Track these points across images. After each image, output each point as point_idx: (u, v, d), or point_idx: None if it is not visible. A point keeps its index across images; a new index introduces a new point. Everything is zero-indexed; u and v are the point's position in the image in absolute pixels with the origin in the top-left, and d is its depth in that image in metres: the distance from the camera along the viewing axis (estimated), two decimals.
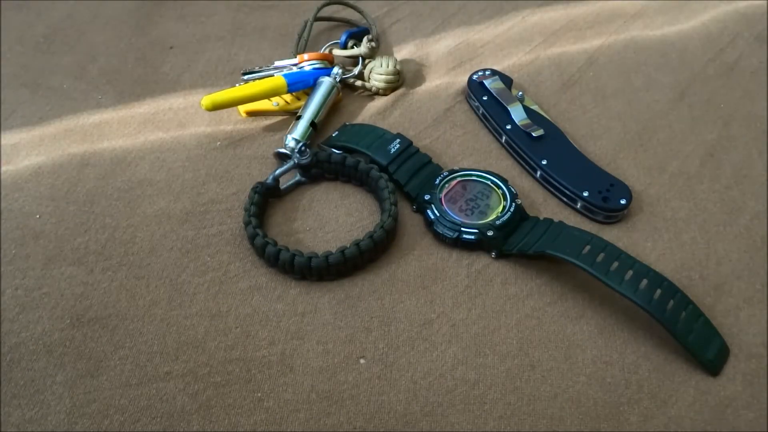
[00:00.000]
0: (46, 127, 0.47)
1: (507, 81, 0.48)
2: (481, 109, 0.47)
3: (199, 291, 0.37)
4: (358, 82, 0.49)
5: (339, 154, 0.42)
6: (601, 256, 0.35)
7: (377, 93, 0.49)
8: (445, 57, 0.53)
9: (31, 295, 0.37)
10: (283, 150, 0.44)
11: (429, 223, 0.40)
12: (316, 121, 0.45)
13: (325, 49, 0.52)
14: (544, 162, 0.42)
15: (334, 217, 0.41)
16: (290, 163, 0.42)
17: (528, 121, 0.44)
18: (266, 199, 0.41)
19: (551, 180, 0.42)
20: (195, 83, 0.51)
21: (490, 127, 0.47)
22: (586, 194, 0.40)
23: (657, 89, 0.49)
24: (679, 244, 0.39)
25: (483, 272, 0.38)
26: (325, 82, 0.47)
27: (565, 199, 0.42)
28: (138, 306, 0.37)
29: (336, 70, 0.48)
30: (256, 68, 0.50)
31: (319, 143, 0.45)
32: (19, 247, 0.39)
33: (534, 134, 0.43)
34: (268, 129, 0.47)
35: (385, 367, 0.34)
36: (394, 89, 0.49)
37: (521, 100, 0.46)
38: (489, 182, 0.41)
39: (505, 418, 0.32)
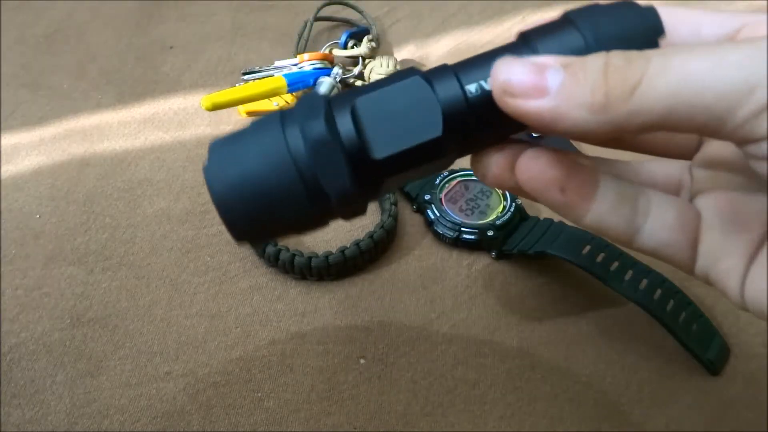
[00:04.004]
0: (46, 127, 0.47)
1: None
2: None
3: (199, 291, 0.37)
4: (358, 82, 0.49)
5: None
6: (601, 256, 0.35)
7: None
8: (445, 57, 0.53)
9: (31, 295, 0.37)
10: None
11: (429, 223, 0.40)
12: None
13: (325, 49, 0.52)
14: None
15: None
16: None
17: None
18: None
19: None
20: (195, 83, 0.51)
21: None
22: None
23: None
24: None
25: (483, 272, 0.38)
26: (325, 82, 0.47)
27: None
28: (138, 306, 0.37)
29: (336, 70, 0.48)
30: (256, 68, 0.50)
31: None
32: (19, 247, 0.39)
33: (534, 134, 0.43)
34: None
35: (385, 367, 0.34)
36: None
37: None
38: None
39: (505, 418, 0.32)
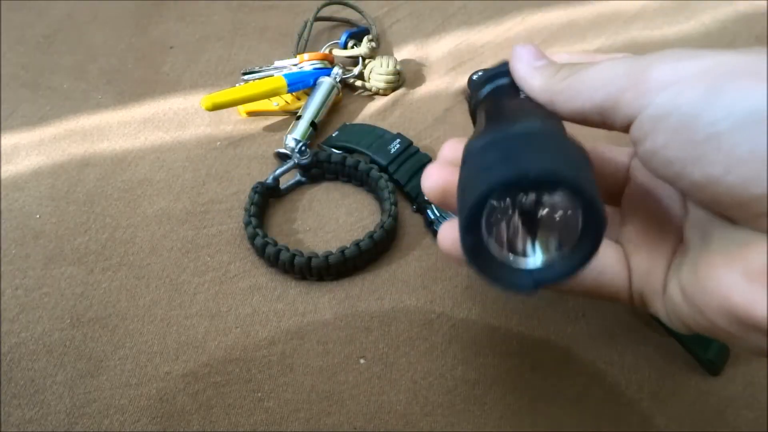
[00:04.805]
0: (46, 127, 0.47)
1: None
2: None
3: (199, 291, 0.37)
4: (358, 82, 0.49)
5: (339, 154, 0.42)
6: None
7: (377, 93, 0.49)
8: (445, 57, 0.53)
9: (31, 295, 0.37)
10: (283, 150, 0.44)
11: (429, 223, 0.40)
12: (316, 121, 0.45)
13: (325, 49, 0.52)
14: None
15: (334, 217, 0.41)
16: (290, 163, 0.42)
17: None
18: (266, 199, 0.41)
19: None
20: (195, 83, 0.51)
21: None
22: None
23: None
24: None
25: None
26: (325, 83, 0.47)
27: None
28: (138, 306, 0.37)
29: (336, 70, 0.48)
30: (256, 68, 0.50)
31: (319, 143, 0.45)
32: (19, 247, 0.39)
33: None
34: (268, 129, 0.47)
35: (385, 367, 0.34)
36: (394, 89, 0.49)
37: None
38: None
39: (505, 418, 0.32)
